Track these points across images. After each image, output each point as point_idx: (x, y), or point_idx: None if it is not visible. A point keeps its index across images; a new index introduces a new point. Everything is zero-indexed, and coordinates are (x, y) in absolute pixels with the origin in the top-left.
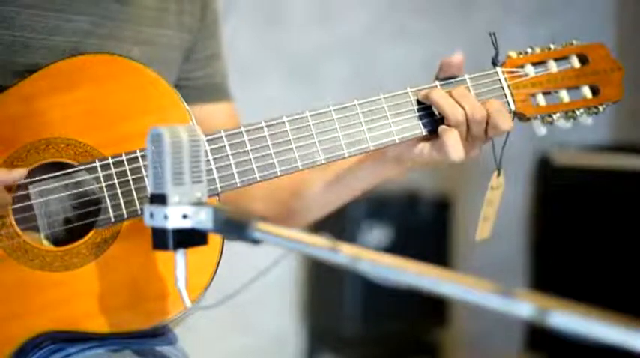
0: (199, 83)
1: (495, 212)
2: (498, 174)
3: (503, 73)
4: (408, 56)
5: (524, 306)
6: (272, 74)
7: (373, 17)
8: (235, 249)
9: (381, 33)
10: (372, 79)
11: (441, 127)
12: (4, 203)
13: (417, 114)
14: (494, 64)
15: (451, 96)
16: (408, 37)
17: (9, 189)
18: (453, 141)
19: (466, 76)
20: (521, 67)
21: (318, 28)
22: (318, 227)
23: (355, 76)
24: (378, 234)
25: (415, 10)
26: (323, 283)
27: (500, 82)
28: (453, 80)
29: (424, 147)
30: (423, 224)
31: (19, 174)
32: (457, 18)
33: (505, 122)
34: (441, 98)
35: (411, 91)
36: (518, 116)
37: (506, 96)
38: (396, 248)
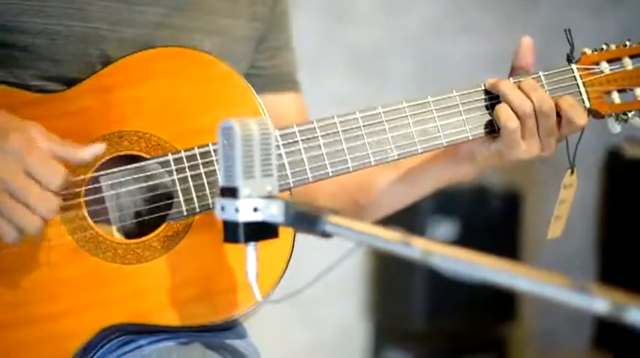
0: (268, 73)
1: (568, 210)
2: (572, 173)
3: (578, 69)
4: (473, 51)
5: (601, 302)
6: (337, 69)
7: (438, 12)
8: (300, 243)
9: (447, 28)
10: (437, 74)
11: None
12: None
13: (490, 110)
14: (569, 60)
15: (519, 88)
16: (473, 32)
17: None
18: (504, 113)
19: (540, 73)
20: (597, 63)
21: (383, 23)
22: (385, 221)
23: (420, 71)
24: (446, 228)
25: (480, 4)
26: (389, 278)
27: (575, 79)
28: (527, 77)
29: (493, 142)
30: (492, 219)
31: (94, 150)
32: (523, 12)
33: (580, 117)
34: (508, 89)
35: (485, 89)
36: (593, 114)
37: (581, 94)
38: (463, 243)
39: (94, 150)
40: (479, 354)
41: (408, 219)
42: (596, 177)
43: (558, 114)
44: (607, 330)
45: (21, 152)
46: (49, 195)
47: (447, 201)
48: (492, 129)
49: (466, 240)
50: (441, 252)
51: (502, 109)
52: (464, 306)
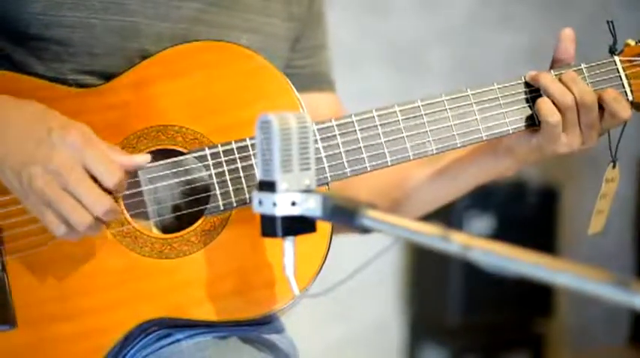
0: (304, 71)
1: (609, 205)
2: (614, 166)
3: (620, 61)
4: (511, 44)
5: None
6: (375, 63)
7: (477, 4)
8: (337, 237)
9: (485, 20)
10: (476, 67)
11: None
12: (121, 189)
13: (531, 103)
14: (612, 52)
15: (560, 80)
16: (511, 24)
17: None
18: (546, 107)
19: (582, 65)
20: None
21: (421, 17)
22: (422, 216)
23: (459, 64)
24: (482, 224)
25: None
26: (426, 272)
27: (618, 71)
28: (568, 70)
29: (534, 136)
30: (528, 215)
31: (142, 159)
32: (562, 4)
33: (624, 110)
34: (548, 81)
35: (525, 81)
36: (636, 106)
37: (623, 86)
38: (499, 239)
39: (142, 159)
40: (515, 349)
41: (444, 215)
42: (634, 173)
43: (600, 107)
44: None
45: (81, 146)
46: (104, 193)
47: (483, 197)
48: (533, 122)
49: (502, 235)
50: (481, 247)
51: (544, 103)
52: (500, 301)
